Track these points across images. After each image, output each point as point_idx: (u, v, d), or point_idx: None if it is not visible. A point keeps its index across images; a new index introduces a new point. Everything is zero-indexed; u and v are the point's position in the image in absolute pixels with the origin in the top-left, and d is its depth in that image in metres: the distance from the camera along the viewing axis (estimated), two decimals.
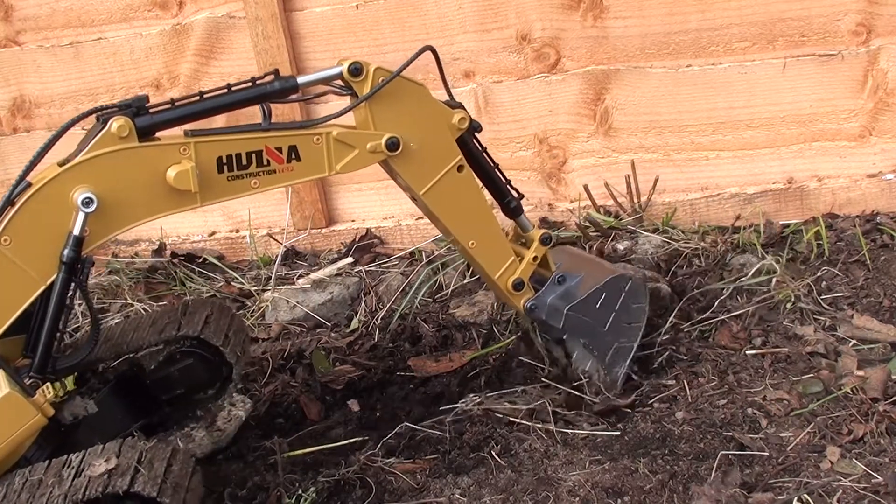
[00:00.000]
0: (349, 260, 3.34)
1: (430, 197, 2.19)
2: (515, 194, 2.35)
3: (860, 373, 2.35)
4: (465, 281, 3.09)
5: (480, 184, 2.30)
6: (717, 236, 3.11)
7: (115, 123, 1.90)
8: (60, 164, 1.95)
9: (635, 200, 3.26)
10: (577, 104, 3.26)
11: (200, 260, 3.55)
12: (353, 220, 3.58)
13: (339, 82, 2.10)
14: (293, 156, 2.04)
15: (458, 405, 2.48)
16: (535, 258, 2.34)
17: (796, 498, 1.96)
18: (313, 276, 3.21)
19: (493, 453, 2.27)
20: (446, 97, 2.26)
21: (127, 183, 1.94)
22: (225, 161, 1.99)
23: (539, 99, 3.26)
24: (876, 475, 2.00)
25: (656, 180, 3.25)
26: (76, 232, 1.90)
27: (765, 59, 3.10)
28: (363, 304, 3.08)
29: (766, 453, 2.13)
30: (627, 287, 2.40)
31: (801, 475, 2.05)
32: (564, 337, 2.44)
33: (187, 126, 2.03)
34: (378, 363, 2.76)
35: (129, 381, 2.16)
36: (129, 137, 1.92)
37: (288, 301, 3.11)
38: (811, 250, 2.98)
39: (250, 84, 2.05)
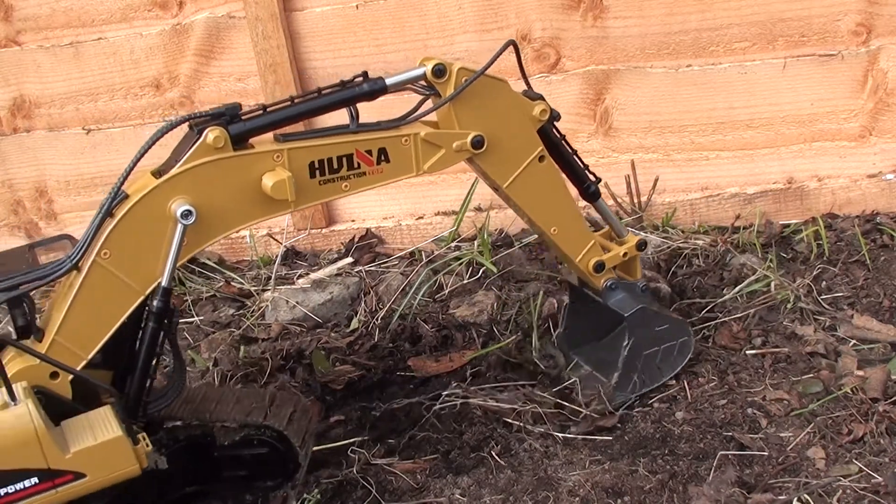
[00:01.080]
0: (349, 260, 3.34)
1: (514, 189, 2.22)
2: (593, 178, 2.40)
3: (860, 373, 2.35)
4: (465, 281, 3.09)
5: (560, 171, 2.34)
6: (717, 236, 3.11)
7: (211, 134, 1.89)
8: (154, 174, 1.94)
9: (635, 200, 3.26)
10: (577, 104, 3.26)
11: (201, 261, 3.55)
12: (353, 220, 3.58)
13: (423, 82, 2.11)
14: (382, 158, 2.05)
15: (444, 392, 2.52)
16: (625, 254, 2.41)
17: (796, 498, 1.96)
18: (313, 276, 3.21)
19: (493, 453, 2.27)
20: (524, 88, 2.27)
21: (223, 192, 1.93)
22: (317, 166, 1.99)
23: None
24: (876, 475, 2.01)
25: (656, 180, 3.25)
26: (165, 283, 1.91)
27: (765, 59, 3.10)
28: (363, 304, 3.07)
29: (766, 453, 2.14)
30: (684, 339, 2.46)
31: (801, 475, 2.05)
32: (574, 357, 2.54)
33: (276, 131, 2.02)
34: (378, 363, 2.76)
35: (198, 447, 2.17)
36: (224, 147, 1.91)
37: (288, 301, 3.11)
38: (811, 250, 2.98)
39: (339, 87, 2.05)
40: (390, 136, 2.05)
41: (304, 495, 2.16)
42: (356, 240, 3.48)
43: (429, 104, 2.14)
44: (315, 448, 2.35)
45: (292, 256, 3.54)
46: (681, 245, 3.05)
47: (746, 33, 3.08)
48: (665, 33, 3.12)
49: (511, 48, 2.21)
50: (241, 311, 3.19)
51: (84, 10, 3.47)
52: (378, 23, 3.27)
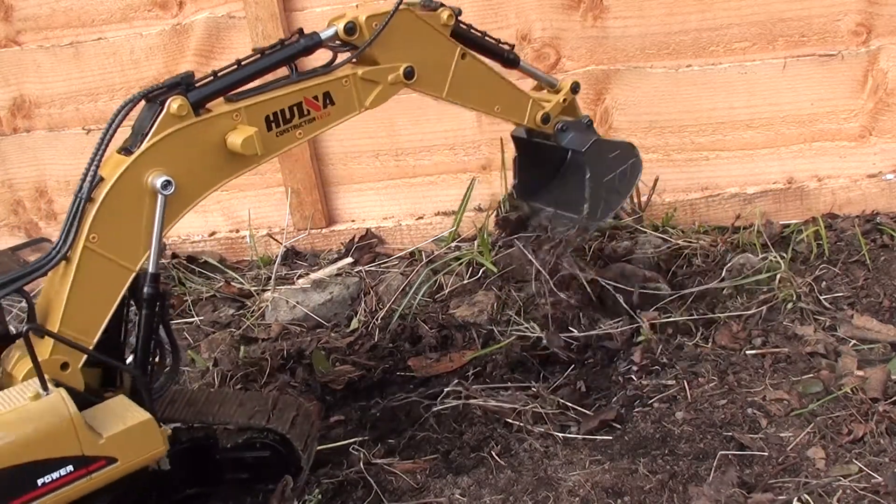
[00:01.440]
0: (349, 260, 3.34)
1: (451, 93, 2.38)
2: (507, 47, 2.56)
3: (860, 373, 2.35)
4: (465, 281, 3.08)
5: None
6: (717, 236, 3.11)
7: (175, 103, 1.95)
8: (120, 152, 1.97)
9: (635, 200, 3.26)
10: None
11: (201, 261, 3.56)
12: (353, 220, 3.58)
13: (336, 41, 2.22)
14: (328, 101, 2.17)
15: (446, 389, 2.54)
16: (564, 100, 2.61)
17: (796, 498, 1.96)
18: (313, 276, 3.21)
19: (493, 453, 2.27)
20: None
21: (193, 158, 1.99)
22: (272, 119, 2.10)
23: None
24: (876, 475, 2.01)
25: (656, 180, 3.25)
26: (152, 268, 1.94)
27: (765, 59, 3.10)
28: (363, 304, 3.07)
29: (766, 453, 2.13)
30: (634, 160, 2.67)
31: (801, 475, 2.05)
32: (534, 203, 2.70)
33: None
34: (378, 363, 2.76)
35: (201, 450, 2.18)
36: (187, 115, 1.97)
37: (288, 301, 3.11)
38: (811, 250, 2.98)
39: (279, 46, 2.15)
40: (331, 79, 2.17)
41: (305, 495, 2.16)
42: (356, 240, 3.48)
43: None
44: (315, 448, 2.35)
45: (292, 256, 3.54)
46: (681, 245, 3.05)
47: (746, 33, 3.08)
48: (665, 33, 3.12)
49: None
50: (241, 311, 3.19)
51: (84, 10, 3.47)
52: None
